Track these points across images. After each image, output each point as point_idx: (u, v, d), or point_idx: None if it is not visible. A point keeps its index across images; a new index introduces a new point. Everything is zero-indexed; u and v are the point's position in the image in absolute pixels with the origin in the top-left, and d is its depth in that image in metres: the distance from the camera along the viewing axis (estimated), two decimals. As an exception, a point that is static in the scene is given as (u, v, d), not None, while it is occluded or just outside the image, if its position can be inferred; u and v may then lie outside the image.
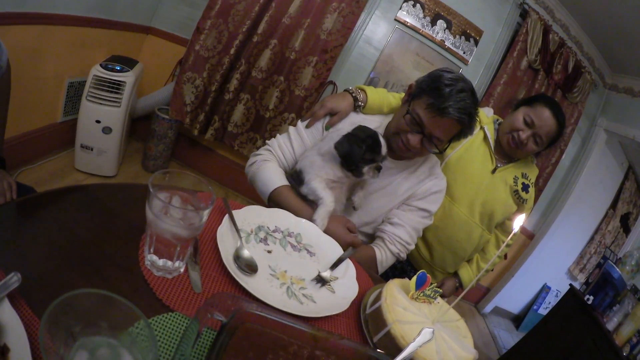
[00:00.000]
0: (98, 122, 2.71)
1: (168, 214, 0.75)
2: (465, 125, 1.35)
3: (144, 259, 0.79)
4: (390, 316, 0.86)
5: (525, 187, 1.79)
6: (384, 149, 1.33)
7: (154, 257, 0.78)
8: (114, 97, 2.71)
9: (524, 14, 3.41)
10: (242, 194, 3.72)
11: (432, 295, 0.99)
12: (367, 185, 1.46)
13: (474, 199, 1.74)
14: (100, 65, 2.67)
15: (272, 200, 1.40)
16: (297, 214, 1.27)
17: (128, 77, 2.73)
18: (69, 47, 2.62)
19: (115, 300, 0.52)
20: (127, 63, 2.84)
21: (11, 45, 2.12)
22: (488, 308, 4.31)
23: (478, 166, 1.76)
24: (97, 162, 2.87)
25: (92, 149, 2.80)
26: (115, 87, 2.70)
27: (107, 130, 2.75)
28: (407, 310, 0.91)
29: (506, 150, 1.77)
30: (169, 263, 0.78)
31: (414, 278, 0.96)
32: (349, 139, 1.33)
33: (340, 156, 1.33)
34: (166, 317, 0.71)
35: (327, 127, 1.50)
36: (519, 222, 0.90)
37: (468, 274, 1.91)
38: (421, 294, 0.97)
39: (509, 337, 4.08)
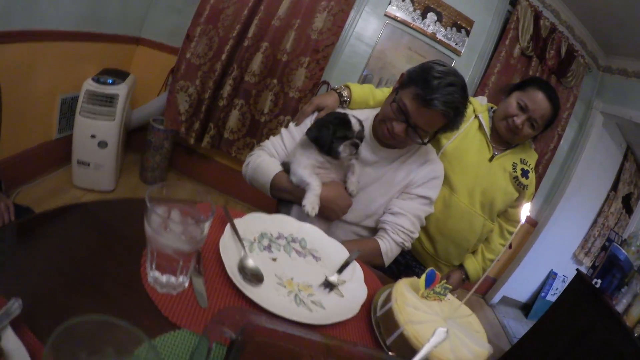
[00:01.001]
0: (93, 136, 2.70)
1: (168, 228, 0.73)
2: (450, 119, 1.35)
3: (147, 276, 0.78)
4: (401, 317, 0.85)
5: (525, 173, 1.78)
6: (355, 126, 1.34)
7: (157, 274, 0.76)
8: (107, 111, 2.69)
9: (514, 2, 3.40)
10: (243, 200, 3.71)
11: (441, 292, 0.97)
12: (356, 168, 1.46)
13: (473, 188, 1.73)
14: (92, 79, 2.66)
15: (274, 188, 1.44)
16: (295, 195, 1.36)
17: (121, 90, 2.71)
18: (60, 63, 2.60)
19: (117, 324, 0.50)
20: (119, 75, 2.82)
21: (2, 64, 2.11)
22: (496, 298, 4.30)
23: (474, 155, 1.75)
24: (94, 177, 2.85)
25: (88, 164, 2.78)
26: (109, 100, 2.68)
27: (102, 144, 2.73)
28: (418, 310, 0.90)
29: (504, 137, 1.76)
30: (173, 279, 0.77)
31: (423, 276, 0.95)
32: (317, 124, 1.39)
33: (312, 141, 1.37)
34: (173, 335, 0.69)
35: None
36: (524, 212, 0.89)
37: (474, 265, 1.89)
38: (431, 292, 0.96)
39: (519, 326, 4.07)
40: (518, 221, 1.87)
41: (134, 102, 3.23)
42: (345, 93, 1.59)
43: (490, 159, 1.76)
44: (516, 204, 1.83)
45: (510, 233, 1.89)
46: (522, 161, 1.80)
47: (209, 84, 3.16)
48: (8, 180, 2.44)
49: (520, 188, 1.78)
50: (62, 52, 2.57)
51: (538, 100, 1.65)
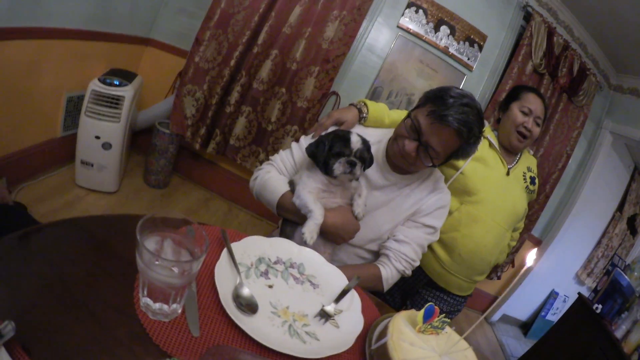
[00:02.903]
0: (97, 137, 2.69)
1: (159, 260, 0.71)
2: (463, 139, 1.31)
3: (139, 301, 0.76)
4: (396, 354, 0.83)
5: (532, 180, 1.93)
6: (354, 144, 1.31)
7: (149, 301, 0.74)
8: (113, 113, 2.68)
9: (528, 17, 3.37)
10: (246, 207, 3.70)
11: (439, 326, 0.95)
12: (363, 191, 1.43)
13: (500, 204, 1.79)
14: (99, 79, 2.65)
15: (280, 208, 1.42)
16: (301, 218, 1.32)
17: (127, 92, 2.70)
18: (67, 61, 2.60)
19: None
20: (126, 76, 2.81)
21: (8, 61, 2.13)
22: (496, 316, 4.26)
23: (494, 171, 1.84)
24: (97, 177, 2.84)
25: (92, 165, 2.77)
26: (114, 102, 2.67)
27: (106, 146, 2.72)
28: (414, 346, 0.88)
29: (514, 147, 1.87)
30: (165, 307, 0.75)
31: (422, 311, 0.92)
32: (316, 140, 1.37)
33: (310, 157, 1.36)
34: (163, 364, 0.68)
35: None
36: (531, 256, 0.87)
37: None
38: (428, 326, 0.93)
39: (517, 345, 4.03)
40: (520, 227, 2.04)
41: (141, 103, 3.23)
42: (364, 109, 1.59)
43: (507, 173, 1.86)
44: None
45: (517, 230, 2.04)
46: (529, 169, 1.94)
47: (216, 89, 3.15)
48: (12, 176, 2.44)
49: (530, 194, 1.93)
50: (70, 50, 2.57)
51: (534, 100, 1.85)
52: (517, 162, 1.90)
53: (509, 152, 1.90)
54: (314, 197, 1.33)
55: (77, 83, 2.73)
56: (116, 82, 2.69)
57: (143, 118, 3.27)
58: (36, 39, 2.28)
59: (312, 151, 1.35)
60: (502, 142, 1.89)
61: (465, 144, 1.34)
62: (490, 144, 1.86)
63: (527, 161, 1.95)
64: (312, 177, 1.36)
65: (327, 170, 1.32)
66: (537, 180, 1.96)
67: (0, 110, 2.23)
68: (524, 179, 1.88)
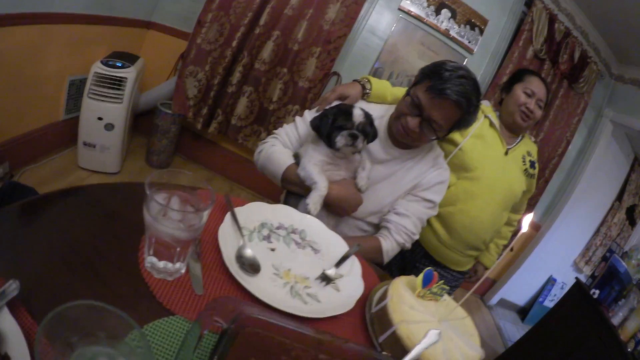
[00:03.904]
0: (100, 119, 2.70)
1: (167, 215, 0.73)
2: (463, 110, 1.35)
3: (144, 261, 0.77)
4: (396, 316, 0.84)
5: (532, 164, 1.94)
6: (357, 118, 1.34)
7: (154, 259, 0.76)
8: (115, 94, 2.69)
9: (529, 3, 3.36)
10: (247, 187, 3.72)
11: (438, 292, 0.96)
12: (367, 164, 1.46)
13: (496, 182, 1.81)
14: (101, 62, 2.65)
15: (285, 180, 1.44)
16: (306, 189, 1.34)
17: (129, 73, 2.71)
18: (70, 45, 2.61)
19: (107, 310, 0.51)
20: (128, 59, 2.82)
21: (12, 46, 2.14)
22: (494, 300, 4.29)
23: (492, 150, 1.85)
24: (100, 159, 2.86)
25: (94, 146, 2.78)
26: (117, 83, 2.68)
27: (109, 127, 2.74)
28: (413, 309, 0.89)
29: (518, 125, 1.88)
30: (170, 265, 0.76)
31: (421, 276, 0.94)
32: (320, 114, 1.39)
33: (314, 130, 1.39)
34: (167, 321, 0.69)
35: None
36: (526, 220, 0.89)
37: (489, 260, 2.11)
38: (427, 292, 0.95)
39: (514, 330, 4.07)
40: (523, 210, 2.10)
41: (143, 86, 3.24)
42: (367, 86, 1.62)
43: (506, 153, 1.87)
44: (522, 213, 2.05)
45: (515, 221, 2.11)
46: (529, 154, 1.95)
47: (218, 70, 3.15)
48: (15, 160, 2.46)
49: (530, 178, 1.94)
50: (72, 35, 2.57)
51: (537, 83, 1.87)
52: (516, 144, 1.91)
53: (511, 132, 1.92)
54: (319, 169, 1.36)
55: (80, 67, 2.73)
56: (119, 64, 2.69)
57: (145, 100, 3.27)
58: (39, 24, 2.28)
59: (316, 124, 1.38)
60: (505, 121, 1.91)
61: (466, 114, 1.38)
62: (491, 123, 1.88)
63: (528, 146, 1.97)
64: (317, 149, 1.38)
65: (330, 142, 1.34)
66: (537, 165, 1.97)
67: (3, 95, 2.24)
68: (523, 162, 1.90)
